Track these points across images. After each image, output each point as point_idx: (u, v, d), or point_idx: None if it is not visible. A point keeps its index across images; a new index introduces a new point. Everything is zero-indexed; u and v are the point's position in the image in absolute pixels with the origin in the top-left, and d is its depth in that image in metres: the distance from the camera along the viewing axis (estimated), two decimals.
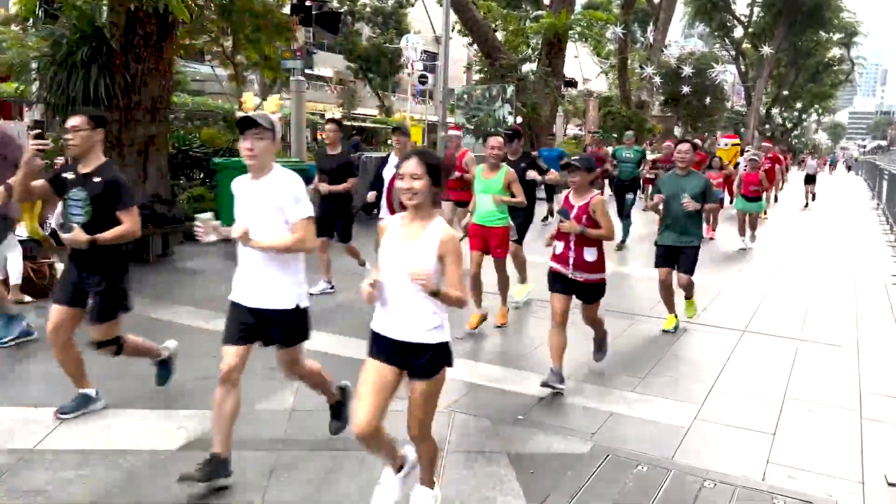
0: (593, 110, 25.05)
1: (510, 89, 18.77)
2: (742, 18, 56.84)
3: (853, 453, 4.01)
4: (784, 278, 9.20)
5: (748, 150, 16.21)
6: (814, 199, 20.59)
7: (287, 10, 12.69)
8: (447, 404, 4.49)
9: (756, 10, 56.18)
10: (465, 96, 19.74)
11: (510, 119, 18.53)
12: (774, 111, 62.62)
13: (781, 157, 25.12)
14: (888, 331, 6.76)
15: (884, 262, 10.66)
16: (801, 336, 6.44)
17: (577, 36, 27.57)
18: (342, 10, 50.29)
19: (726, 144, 18.84)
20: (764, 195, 13.22)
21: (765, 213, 15.08)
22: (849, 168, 65.01)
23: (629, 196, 11.38)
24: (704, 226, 11.52)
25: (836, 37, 59.59)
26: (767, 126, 62.48)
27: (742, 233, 11.61)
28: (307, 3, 13.47)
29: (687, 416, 4.47)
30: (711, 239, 12.13)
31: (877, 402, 4.84)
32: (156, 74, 9.10)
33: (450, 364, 2.97)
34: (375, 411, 2.90)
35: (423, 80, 46.59)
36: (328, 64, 58.30)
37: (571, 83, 28.67)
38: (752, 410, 4.62)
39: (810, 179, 20.49)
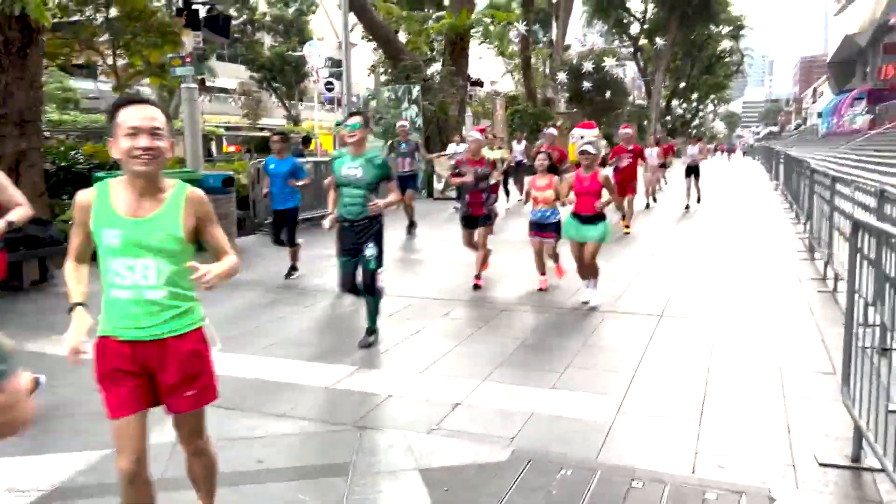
0: (500, 109, 25.06)
1: (416, 90, 18.49)
2: (637, 15, 58.66)
3: (781, 435, 3.85)
4: (697, 260, 9.22)
5: (581, 138, 11.84)
6: (699, 200, 16.08)
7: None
8: (354, 420, 4.10)
9: (650, 5, 58.11)
10: (372, 99, 19.34)
11: (419, 120, 18.26)
12: (674, 103, 64.92)
13: (668, 148, 22.42)
14: (801, 305, 6.78)
15: (789, 239, 10.91)
16: (718, 317, 6.36)
17: (481, 36, 27.71)
18: (235, 14, 48.92)
19: (582, 137, 13.11)
20: (623, 207, 11.47)
21: (626, 226, 11.66)
22: (744, 154, 68.15)
23: (368, 251, 5.48)
24: (553, 265, 7.82)
25: (726, 30, 62.41)
26: (668, 118, 64.72)
27: (583, 275, 6.95)
28: (194, 6, 12.78)
29: (609, 411, 4.22)
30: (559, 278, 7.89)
31: (798, 378, 4.74)
32: (22, 84, 8.32)
33: None
34: None
35: (329, 87, 45.84)
36: (231, 75, 56.74)
37: (478, 83, 28.74)
38: (675, 399, 4.42)
39: (692, 172, 15.86)
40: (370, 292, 5.56)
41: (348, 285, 5.66)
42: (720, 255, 9.68)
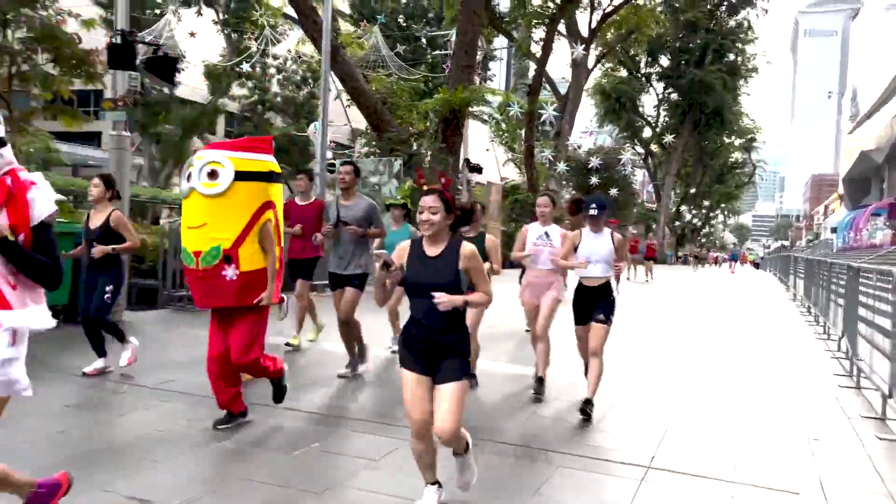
0: (496, 194, 23.40)
1: (397, 164, 16.78)
2: (649, 119, 58.31)
3: None
4: (698, 387, 6.98)
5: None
6: (588, 401, 5.24)
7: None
8: None
9: (663, 111, 57.82)
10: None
11: (398, 195, 16.45)
12: (683, 208, 63.78)
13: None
14: (859, 460, 4.52)
15: (820, 361, 8.65)
16: (735, 476, 4.10)
17: (493, 133, 26.47)
18: (247, 93, 48.74)
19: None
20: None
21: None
22: (756, 265, 66.14)
23: None
24: None
25: (738, 141, 62.08)
26: (678, 223, 63.40)
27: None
28: (137, 45, 11.16)
29: None
30: None
31: None
32: None
33: None
34: None
35: (331, 169, 44.84)
36: None
37: (476, 169, 27.22)
38: None
39: (589, 301, 5.40)
40: None
41: None
42: (732, 381, 7.44)
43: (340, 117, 47.63)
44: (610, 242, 5.39)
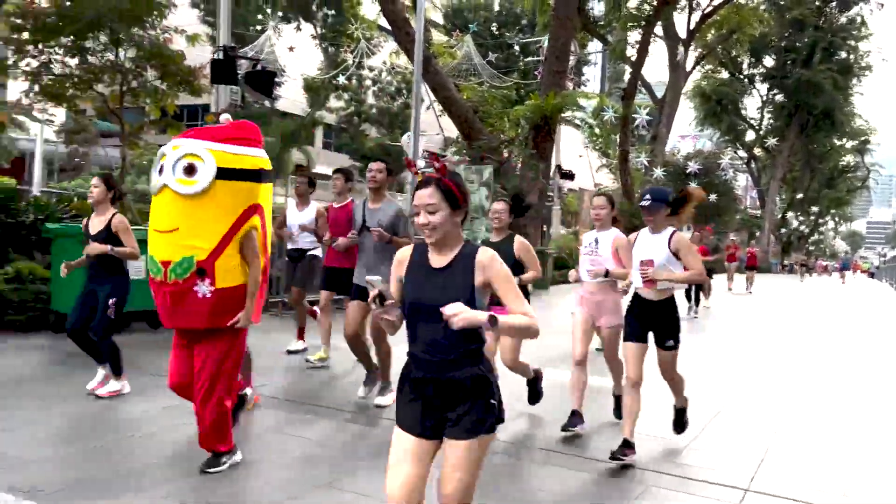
0: (589, 201, 22.98)
1: (487, 171, 16.73)
2: (752, 122, 55.93)
3: None
4: (804, 404, 6.55)
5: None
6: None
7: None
8: None
9: (767, 113, 55.34)
10: None
11: (487, 204, 16.42)
12: (790, 215, 60.70)
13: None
14: None
15: None
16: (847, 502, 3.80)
17: (587, 139, 26.06)
18: (343, 105, 50.04)
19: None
20: None
21: None
22: (871, 275, 62.14)
23: None
24: None
25: (850, 144, 58.63)
26: (784, 230, 60.43)
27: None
28: (239, 61, 11.64)
29: None
30: None
31: None
32: None
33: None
34: None
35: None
36: (336, 163, 57.88)
37: (568, 175, 26.87)
38: None
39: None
40: None
41: None
42: (843, 397, 6.95)
43: (433, 126, 48.22)
44: (666, 246, 4.28)
